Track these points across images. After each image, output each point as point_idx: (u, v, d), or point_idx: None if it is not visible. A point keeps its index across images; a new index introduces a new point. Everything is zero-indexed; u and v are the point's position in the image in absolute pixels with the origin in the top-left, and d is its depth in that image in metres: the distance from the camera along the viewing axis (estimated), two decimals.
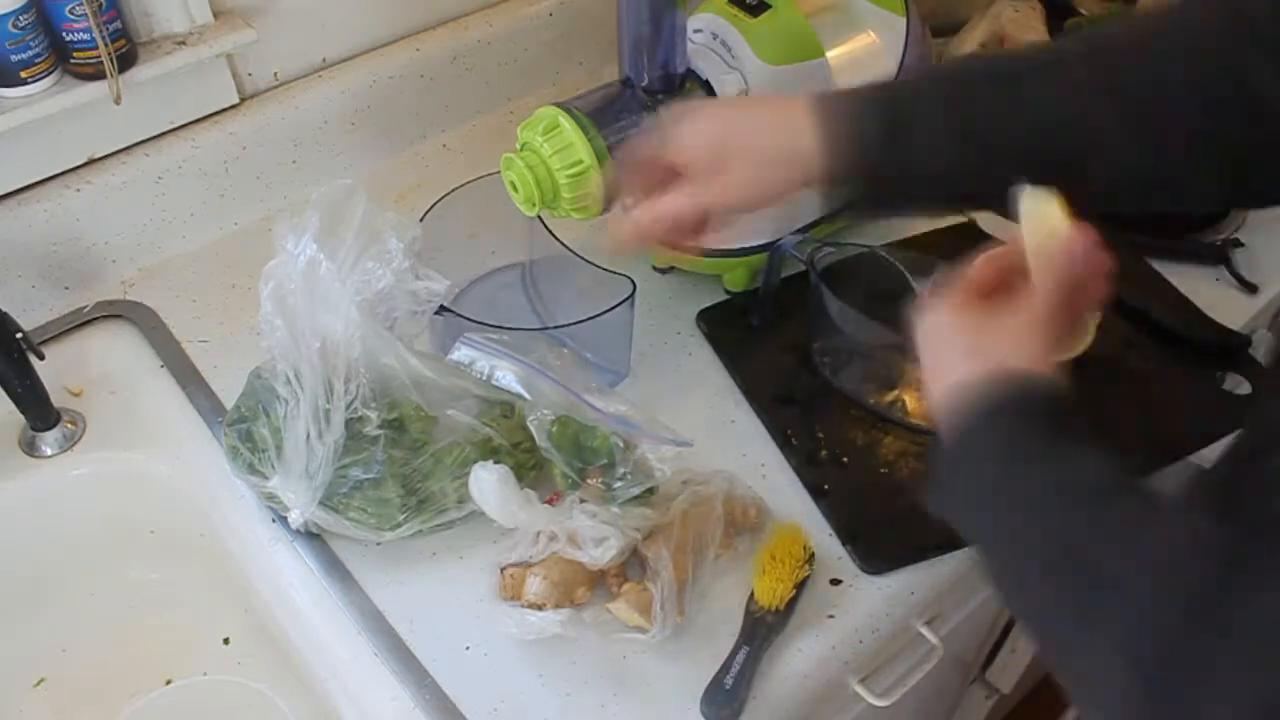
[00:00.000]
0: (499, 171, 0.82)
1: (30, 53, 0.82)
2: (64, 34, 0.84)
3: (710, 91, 0.85)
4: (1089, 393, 0.88)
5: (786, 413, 0.87)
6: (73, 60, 0.85)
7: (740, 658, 0.71)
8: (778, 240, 0.89)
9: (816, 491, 0.81)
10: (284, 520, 0.77)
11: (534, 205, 0.80)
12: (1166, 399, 0.89)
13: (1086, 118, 0.61)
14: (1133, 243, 1.02)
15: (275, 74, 1.02)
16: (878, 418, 0.87)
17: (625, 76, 0.83)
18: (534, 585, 0.71)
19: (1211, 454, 0.85)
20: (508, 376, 0.79)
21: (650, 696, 0.70)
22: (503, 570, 0.73)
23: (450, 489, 0.75)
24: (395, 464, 0.74)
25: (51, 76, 0.85)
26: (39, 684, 0.89)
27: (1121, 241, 1.01)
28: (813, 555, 0.76)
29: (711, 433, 0.85)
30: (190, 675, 0.90)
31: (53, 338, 0.90)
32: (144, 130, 0.95)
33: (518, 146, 0.81)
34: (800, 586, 0.74)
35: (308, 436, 0.72)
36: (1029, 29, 1.14)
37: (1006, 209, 0.59)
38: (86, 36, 0.83)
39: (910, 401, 0.88)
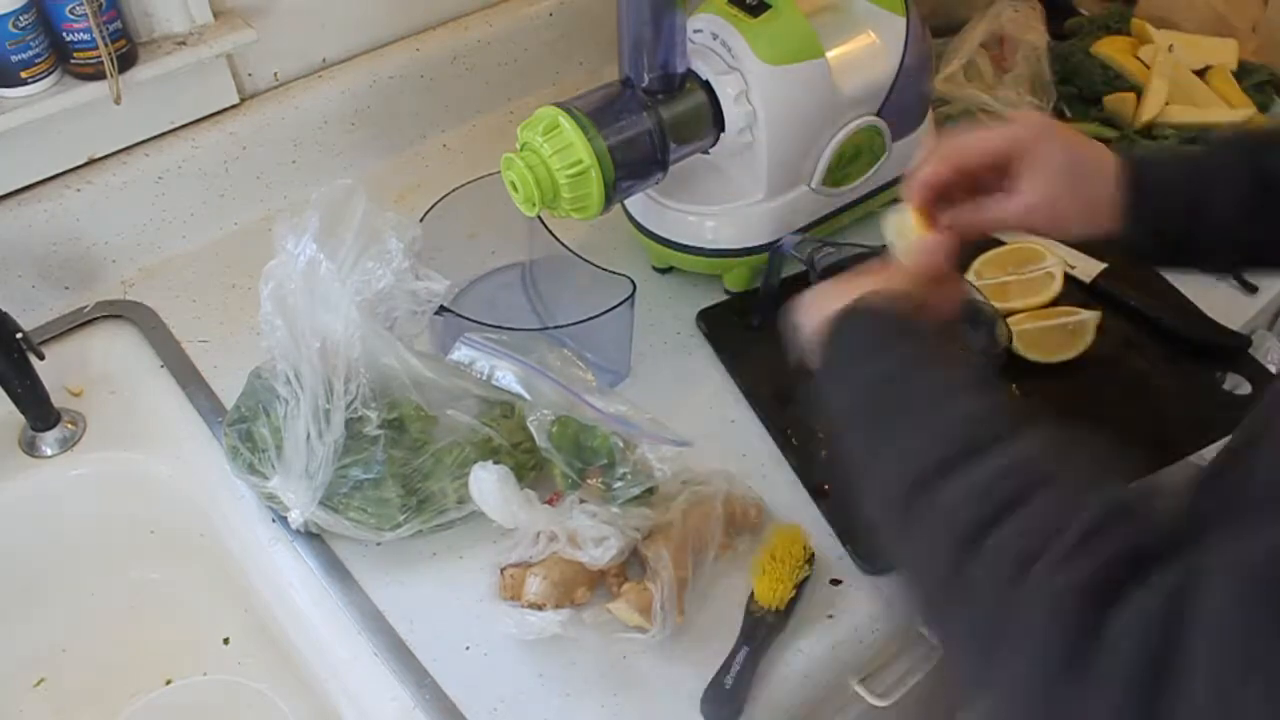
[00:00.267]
0: (499, 171, 0.82)
1: (30, 53, 0.82)
2: (64, 34, 0.84)
3: (710, 92, 0.85)
4: (1089, 393, 0.89)
5: (786, 413, 0.87)
6: (73, 60, 0.85)
7: (740, 658, 0.71)
8: (778, 240, 0.89)
9: (816, 491, 0.81)
10: (284, 520, 0.77)
11: (534, 205, 0.80)
12: (1166, 399, 0.89)
13: None
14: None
15: (275, 74, 1.02)
16: None
17: (625, 76, 0.83)
18: (534, 585, 0.70)
19: (1211, 454, 0.85)
20: (508, 376, 0.79)
21: (650, 696, 0.70)
22: (503, 570, 0.73)
23: (450, 489, 0.75)
24: (395, 464, 0.74)
25: (51, 76, 0.85)
26: (39, 684, 0.89)
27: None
28: (813, 555, 0.76)
29: (711, 433, 0.85)
30: (190, 675, 0.90)
31: (53, 338, 0.90)
32: (144, 130, 0.95)
33: (518, 146, 0.81)
34: (800, 586, 0.74)
35: (308, 436, 0.72)
36: (1029, 29, 1.14)
37: None
38: (86, 36, 0.83)
39: None
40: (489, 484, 0.70)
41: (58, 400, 0.86)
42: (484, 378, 0.79)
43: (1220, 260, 0.72)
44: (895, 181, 1.00)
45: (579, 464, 0.77)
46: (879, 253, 0.87)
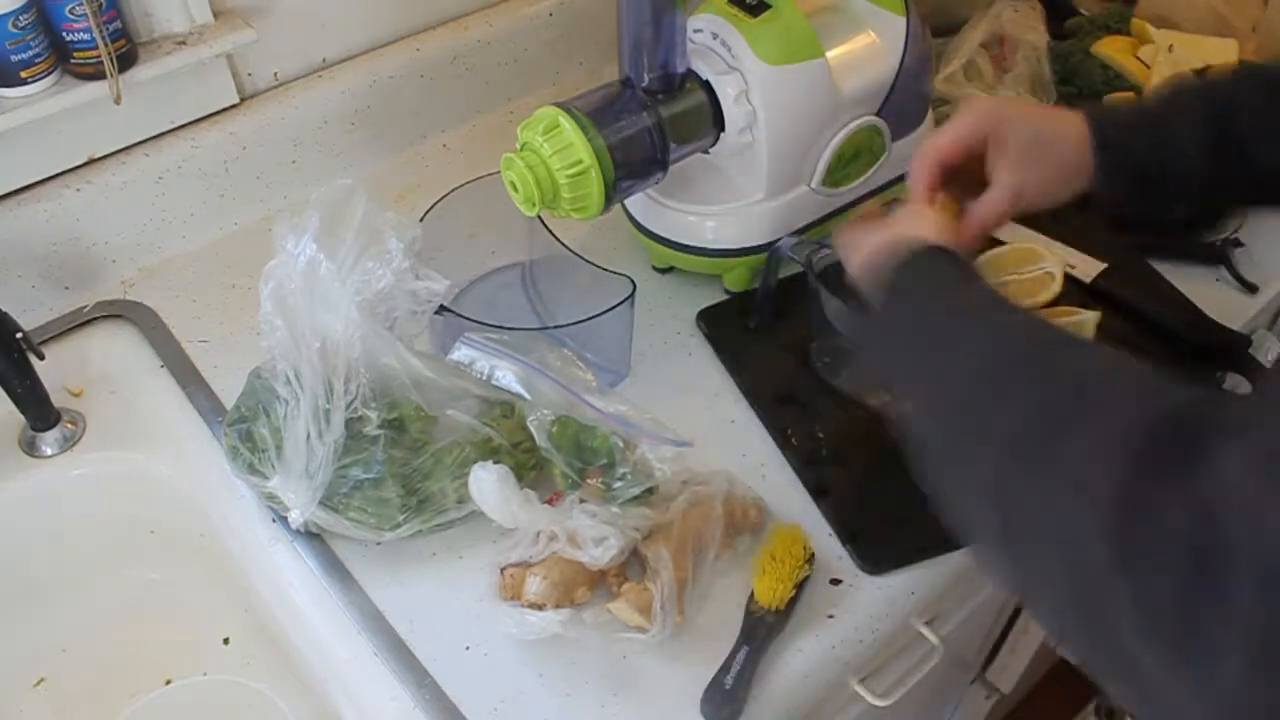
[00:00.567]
0: (499, 171, 0.82)
1: (30, 53, 0.82)
2: (64, 34, 0.84)
3: (710, 92, 0.85)
4: None
5: (786, 413, 0.87)
6: (73, 60, 0.85)
7: (740, 658, 0.71)
8: (775, 241, 0.89)
9: (816, 491, 0.81)
10: (284, 520, 0.77)
11: (534, 205, 0.80)
12: None
13: None
14: (1133, 243, 1.02)
15: (275, 74, 1.02)
16: (878, 418, 0.87)
17: (625, 76, 0.83)
18: (534, 585, 0.71)
19: None
20: (508, 376, 0.79)
21: (650, 696, 0.70)
22: (503, 570, 0.73)
23: (450, 489, 0.75)
24: (395, 464, 0.74)
25: (51, 76, 0.85)
26: (39, 684, 0.89)
27: (1122, 242, 1.01)
28: (813, 555, 0.76)
29: (711, 433, 0.85)
30: (190, 675, 0.90)
31: (53, 338, 0.90)
32: (144, 130, 0.95)
33: (518, 146, 0.81)
34: (800, 586, 0.74)
35: (308, 436, 0.72)
36: (1029, 29, 1.14)
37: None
38: (86, 36, 0.83)
39: None
40: (489, 484, 0.70)
41: (58, 400, 0.86)
42: (484, 378, 0.79)
43: (1191, 204, 0.73)
44: (895, 182, 1.01)
45: (579, 464, 0.77)
46: None
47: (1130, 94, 1.12)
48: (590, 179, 0.79)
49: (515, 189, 0.81)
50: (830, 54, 0.88)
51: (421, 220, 0.86)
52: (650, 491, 0.75)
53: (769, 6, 0.85)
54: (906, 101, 0.95)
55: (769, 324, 0.93)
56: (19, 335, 0.80)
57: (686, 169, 0.90)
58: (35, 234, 0.91)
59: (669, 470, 0.76)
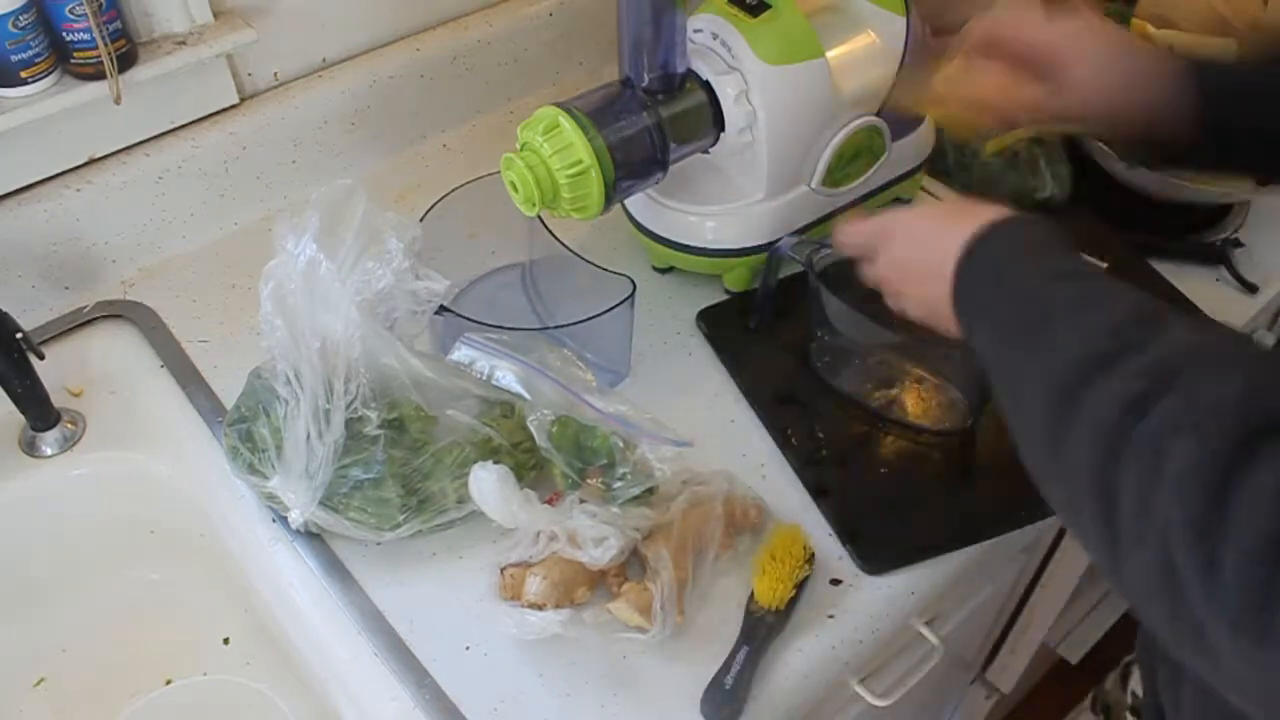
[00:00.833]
0: (499, 171, 0.82)
1: (30, 53, 0.82)
2: (64, 34, 0.84)
3: (710, 92, 0.85)
4: None
5: (786, 413, 0.87)
6: (73, 60, 0.85)
7: (740, 658, 0.71)
8: (775, 241, 0.89)
9: (816, 491, 0.81)
10: (284, 520, 0.77)
11: (534, 205, 0.80)
12: None
13: None
14: (1133, 243, 1.02)
15: (275, 74, 1.02)
16: (877, 418, 0.87)
17: (625, 76, 0.83)
18: (534, 585, 0.71)
19: None
20: (508, 376, 0.79)
21: (650, 696, 0.70)
22: (503, 570, 0.73)
23: (450, 489, 0.75)
24: (395, 464, 0.74)
25: (51, 76, 0.85)
26: (39, 684, 0.89)
27: (1122, 241, 1.01)
28: (813, 555, 0.76)
29: (711, 433, 0.85)
30: (190, 675, 0.90)
31: (53, 338, 0.90)
32: (144, 130, 0.95)
33: (518, 146, 0.81)
34: (800, 586, 0.74)
35: (308, 436, 0.72)
36: None
37: None
38: (86, 36, 0.83)
39: (910, 401, 0.89)
40: (489, 484, 0.70)
41: (58, 400, 0.86)
42: (484, 378, 0.79)
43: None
44: (895, 181, 1.01)
45: (579, 464, 0.77)
46: None
47: None
48: (590, 179, 0.79)
49: (515, 189, 0.81)
50: (830, 54, 0.88)
51: (421, 220, 0.86)
52: (650, 491, 0.75)
53: (769, 6, 0.85)
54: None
55: (769, 324, 0.93)
56: (19, 335, 0.80)
57: (686, 169, 0.90)
58: (35, 234, 0.91)
59: (669, 470, 0.76)
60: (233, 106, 0.99)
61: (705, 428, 0.85)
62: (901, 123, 0.96)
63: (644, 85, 0.83)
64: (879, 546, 0.78)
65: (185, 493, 0.85)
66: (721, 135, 0.87)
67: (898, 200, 1.05)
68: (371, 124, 1.07)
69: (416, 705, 0.69)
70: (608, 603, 0.72)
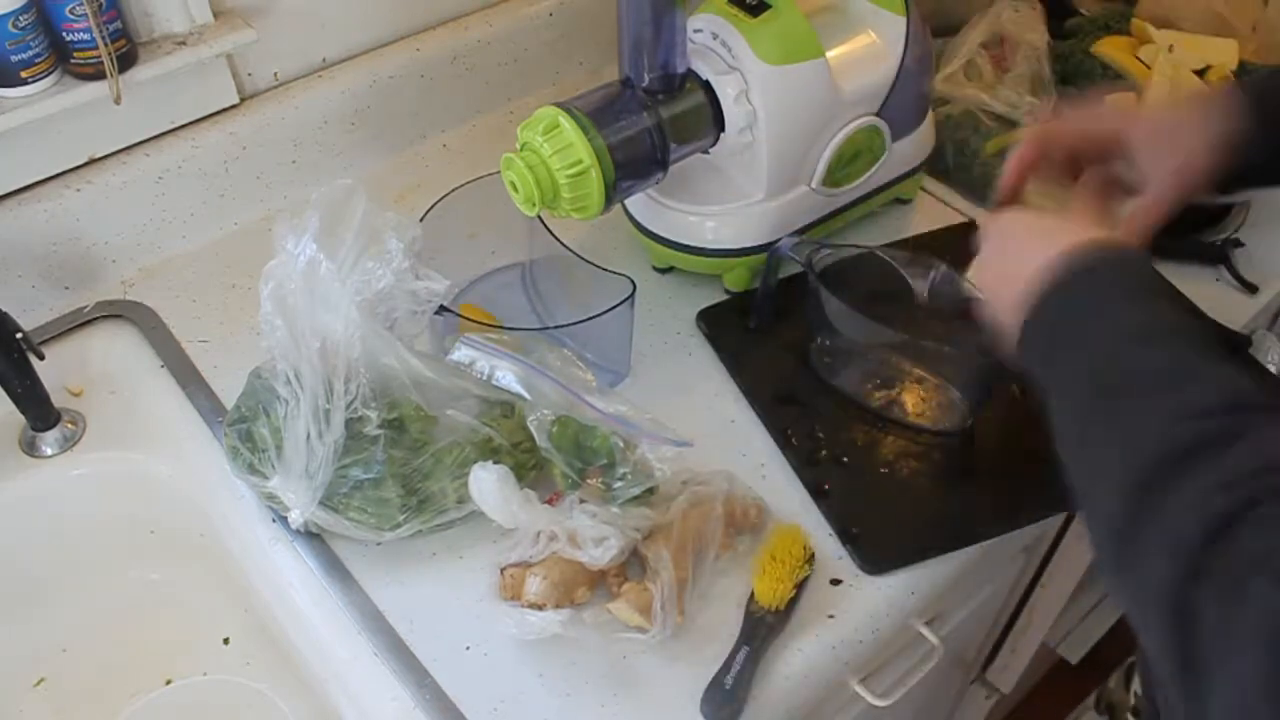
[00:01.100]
0: (499, 171, 0.82)
1: (30, 53, 0.82)
2: (64, 34, 0.84)
3: (710, 92, 0.85)
4: None
5: (786, 413, 0.87)
6: (73, 60, 0.85)
7: (740, 658, 0.71)
8: (775, 241, 0.89)
9: (816, 491, 0.81)
10: (284, 520, 0.77)
11: (534, 205, 0.80)
12: None
13: None
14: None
15: (275, 74, 1.02)
16: (877, 418, 0.87)
17: (625, 76, 0.83)
18: (534, 585, 0.71)
19: None
20: (508, 376, 0.79)
21: (650, 696, 0.70)
22: (503, 570, 0.73)
23: (450, 489, 0.75)
24: (395, 464, 0.74)
25: (51, 76, 0.85)
26: (39, 684, 0.89)
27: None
28: (813, 555, 0.76)
29: (711, 433, 0.85)
30: (190, 675, 0.90)
31: (53, 338, 0.90)
32: (144, 130, 0.95)
33: (518, 146, 0.81)
34: (800, 586, 0.74)
35: (308, 436, 0.72)
36: (1029, 29, 1.14)
37: None
38: (86, 36, 0.83)
39: (909, 401, 0.89)
40: (489, 484, 0.70)
41: (58, 400, 0.86)
42: (484, 378, 0.79)
43: None
44: (895, 181, 1.01)
45: (579, 464, 0.77)
46: (877, 253, 0.87)
47: (1130, 94, 1.12)
48: (590, 179, 0.79)
49: (515, 189, 0.81)
50: (830, 54, 0.88)
51: (421, 220, 0.86)
52: (650, 491, 0.75)
53: (769, 6, 0.85)
54: (906, 101, 0.95)
55: (769, 324, 0.93)
56: (19, 335, 0.80)
57: (686, 169, 0.90)
58: (35, 234, 0.91)
59: (669, 470, 0.76)
60: (233, 106, 0.99)
61: (705, 428, 0.85)
62: (902, 123, 0.96)
63: (644, 85, 0.83)
64: (879, 546, 0.78)
65: (185, 493, 0.85)
66: (721, 135, 0.87)
67: (898, 200, 1.05)
68: (371, 124, 1.07)
69: (416, 705, 0.69)
70: (608, 603, 0.72)
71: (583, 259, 0.87)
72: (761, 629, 0.72)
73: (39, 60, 0.83)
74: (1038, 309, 0.57)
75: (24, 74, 0.83)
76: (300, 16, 1.00)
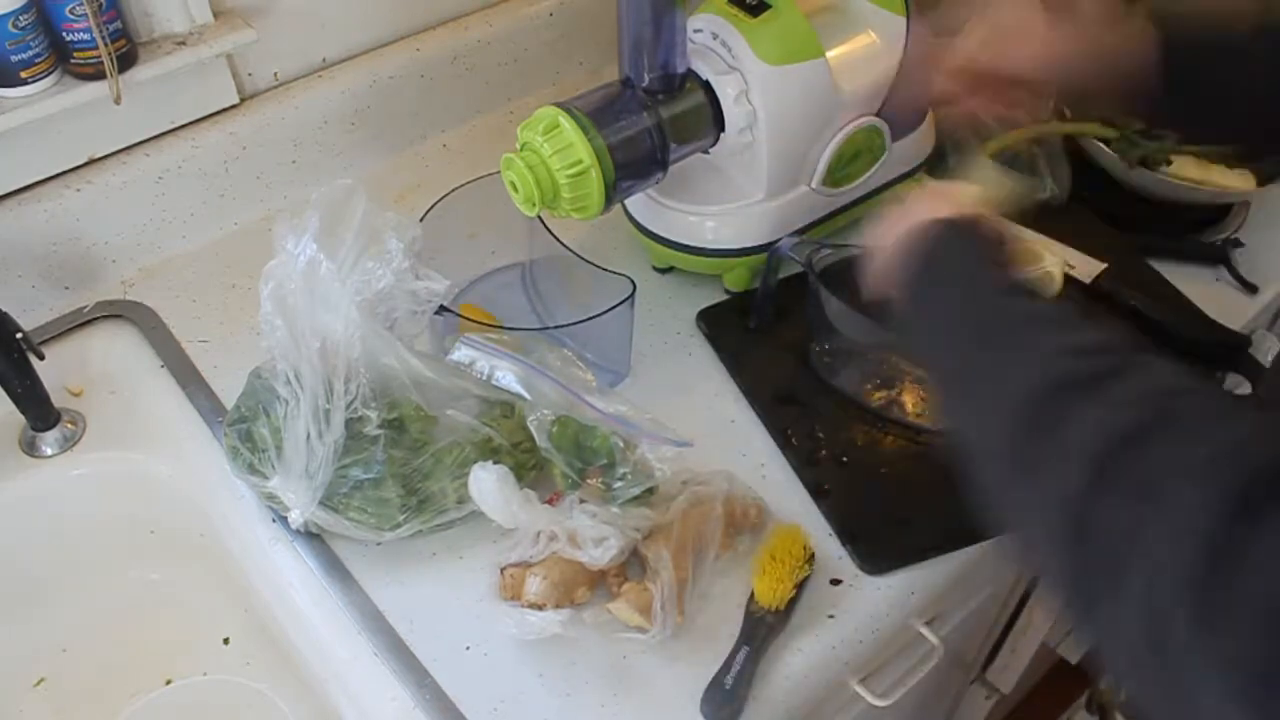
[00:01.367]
0: (499, 171, 0.82)
1: (30, 53, 0.82)
2: (64, 34, 0.84)
3: (710, 92, 0.85)
4: None
5: (786, 413, 0.87)
6: (73, 60, 0.85)
7: (740, 658, 0.71)
8: (775, 241, 0.89)
9: (816, 491, 0.81)
10: (284, 520, 0.77)
11: (534, 205, 0.80)
12: None
13: None
14: (1133, 243, 1.02)
15: (275, 74, 1.02)
16: (877, 418, 0.87)
17: (625, 76, 0.83)
18: (534, 585, 0.71)
19: None
20: (508, 376, 0.79)
21: (650, 696, 0.70)
22: (503, 570, 0.73)
23: (450, 489, 0.75)
24: (395, 464, 0.74)
25: (51, 76, 0.85)
26: (39, 684, 0.89)
27: (1122, 241, 1.01)
28: (813, 555, 0.76)
29: (711, 433, 0.85)
30: (190, 675, 0.90)
31: (53, 338, 0.90)
32: (144, 130, 0.95)
33: (518, 146, 0.81)
34: (800, 586, 0.74)
35: (308, 436, 0.72)
36: None
37: None
38: (86, 36, 0.83)
39: (909, 401, 0.89)
40: (489, 484, 0.70)
41: (58, 400, 0.86)
42: (484, 378, 0.79)
43: (1256, 95, 0.70)
44: (895, 181, 1.01)
45: (579, 464, 0.77)
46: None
47: None
48: (590, 179, 0.79)
49: (515, 189, 0.81)
50: (830, 54, 0.88)
51: (421, 220, 0.86)
52: (650, 491, 0.75)
53: (769, 6, 0.85)
54: (906, 101, 0.95)
55: (769, 324, 0.93)
56: (19, 335, 0.80)
57: (686, 169, 0.90)
58: (35, 234, 0.91)
59: (669, 470, 0.76)
60: (233, 106, 0.99)
61: (705, 428, 0.85)
62: (902, 123, 0.96)
63: (644, 85, 0.83)
64: (879, 546, 0.78)
65: (185, 493, 0.85)
66: (721, 135, 0.87)
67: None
68: (371, 124, 1.07)
69: (416, 705, 0.69)
70: (608, 603, 0.72)
71: (583, 259, 0.87)
72: (761, 629, 0.72)
73: (39, 60, 0.83)
74: (915, 267, 0.61)
75: (24, 74, 0.83)
76: (300, 16, 1.00)
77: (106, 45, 0.83)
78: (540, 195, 0.79)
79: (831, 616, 0.75)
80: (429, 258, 0.78)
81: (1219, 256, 1.01)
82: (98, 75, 0.85)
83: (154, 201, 0.96)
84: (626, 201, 0.96)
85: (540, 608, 0.70)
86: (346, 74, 1.04)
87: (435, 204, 0.89)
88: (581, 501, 0.74)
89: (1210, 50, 0.68)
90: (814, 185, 0.92)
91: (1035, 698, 1.58)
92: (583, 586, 0.72)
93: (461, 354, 0.80)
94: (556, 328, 0.86)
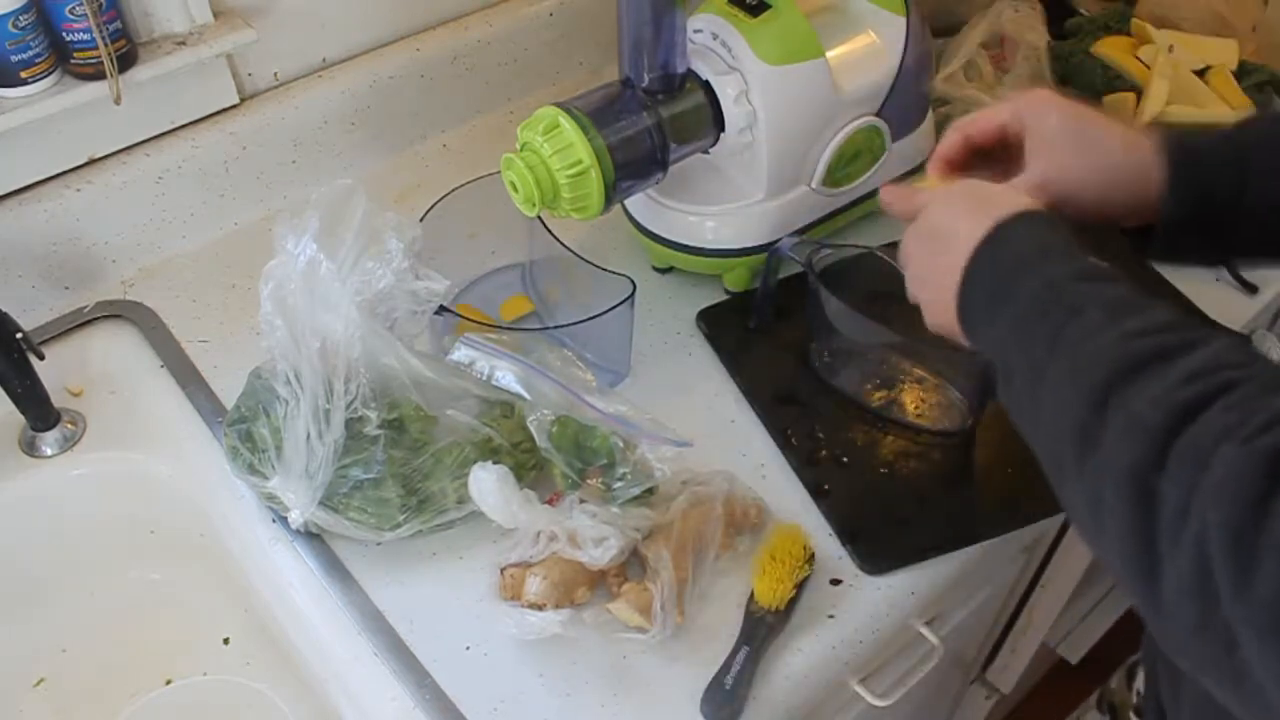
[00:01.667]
0: (499, 171, 0.82)
1: (30, 53, 0.82)
2: (64, 34, 0.84)
3: (710, 92, 0.85)
4: None
5: (786, 413, 0.87)
6: (73, 60, 0.85)
7: (740, 658, 0.71)
8: (775, 241, 0.89)
9: (816, 491, 0.81)
10: (284, 520, 0.77)
11: (534, 205, 0.80)
12: None
13: None
14: (1133, 243, 1.02)
15: (275, 74, 1.02)
16: (877, 418, 0.87)
17: (625, 76, 0.83)
18: (534, 585, 0.71)
19: None
20: (508, 376, 0.79)
21: (650, 696, 0.70)
22: (503, 570, 0.73)
23: (450, 489, 0.75)
24: (395, 464, 0.74)
25: (51, 76, 0.85)
26: (39, 684, 0.89)
27: (1122, 242, 1.01)
28: (813, 555, 0.76)
29: (711, 433, 0.85)
30: (190, 675, 0.90)
31: (53, 338, 0.90)
32: (144, 130, 0.95)
33: (518, 146, 0.81)
34: (800, 586, 0.74)
35: (308, 436, 0.72)
36: (1029, 29, 1.14)
37: None
38: (86, 36, 0.83)
39: (909, 401, 0.89)
40: (489, 484, 0.70)
41: (58, 400, 0.86)
42: (484, 378, 0.79)
43: (1262, 236, 0.67)
44: (895, 181, 1.00)
45: (579, 464, 0.77)
46: (877, 253, 0.87)
47: (1130, 94, 1.12)
48: (590, 179, 0.79)
49: (515, 189, 0.81)
50: (830, 54, 0.88)
51: (421, 220, 0.86)
52: (650, 491, 0.75)
53: (769, 6, 0.85)
54: (906, 101, 0.95)
55: (769, 324, 0.93)
56: (19, 335, 0.80)
57: (686, 169, 0.90)
58: (35, 234, 0.91)
59: (669, 470, 0.76)
60: (233, 106, 0.99)
61: (705, 428, 0.85)
62: (902, 122, 0.96)
63: (644, 85, 0.83)
64: (879, 546, 0.78)
65: (185, 493, 0.85)
66: (721, 135, 0.87)
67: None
68: (371, 124, 1.07)
69: (416, 705, 0.69)
70: (608, 603, 0.72)
71: (583, 259, 0.87)
72: (761, 629, 0.72)
73: (39, 60, 0.83)
74: (972, 273, 0.59)
75: (24, 74, 0.83)
76: (300, 16, 1.00)
77: (106, 45, 0.83)
78: (540, 195, 0.79)
79: (831, 616, 0.75)
80: (429, 258, 0.78)
81: None
82: (98, 75, 0.85)
83: (154, 201, 0.96)
84: (626, 201, 0.96)
85: (540, 608, 0.70)
86: (346, 74, 1.04)
87: (435, 204, 0.89)
88: (581, 501, 0.74)
89: (1212, 142, 0.66)
90: (814, 185, 0.92)
91: (1035, 698, 1.59)
92: (583, 586, 0.72)
93: (461, 354, 0.80)
94: (556, 328, 0.86)
